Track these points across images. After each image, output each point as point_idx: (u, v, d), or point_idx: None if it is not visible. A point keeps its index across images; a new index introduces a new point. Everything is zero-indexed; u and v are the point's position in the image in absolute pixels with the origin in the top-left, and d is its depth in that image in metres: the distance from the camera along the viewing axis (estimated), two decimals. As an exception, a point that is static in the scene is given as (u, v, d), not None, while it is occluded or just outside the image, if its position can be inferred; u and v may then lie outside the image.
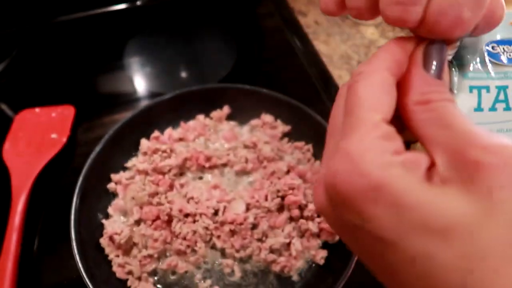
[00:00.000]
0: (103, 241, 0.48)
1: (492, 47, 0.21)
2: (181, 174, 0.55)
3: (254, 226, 0.49)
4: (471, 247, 0.15)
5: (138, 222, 0.50)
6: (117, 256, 0.47)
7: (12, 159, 0.56)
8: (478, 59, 0.21)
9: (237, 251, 0.48)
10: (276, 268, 0.47)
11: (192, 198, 0.51)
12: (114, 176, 0.54)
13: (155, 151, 0.55)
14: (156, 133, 0.57)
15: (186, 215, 0.49)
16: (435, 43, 0.19)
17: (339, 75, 0.70)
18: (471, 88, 0.20)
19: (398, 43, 0.20)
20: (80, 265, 0.44)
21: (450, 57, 0.20)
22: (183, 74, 0.74)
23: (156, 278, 0.47)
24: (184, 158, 0.54)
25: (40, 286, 0.48)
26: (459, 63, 0.21)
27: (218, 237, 0.48)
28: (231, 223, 0.48)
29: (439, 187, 0.16)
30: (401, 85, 0.19)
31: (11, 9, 0.77)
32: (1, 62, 0.71)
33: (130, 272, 0.46)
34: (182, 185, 0.53)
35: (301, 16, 0.80)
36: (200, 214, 0.49)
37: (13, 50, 0.73)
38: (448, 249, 0.15)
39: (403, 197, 0.16)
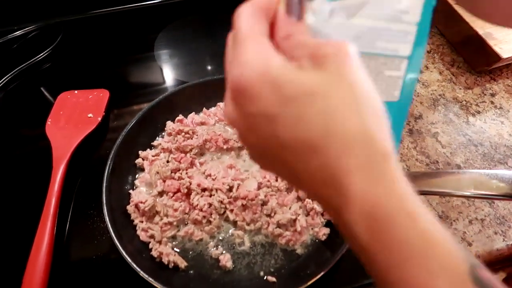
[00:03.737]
0: (130, 208, 0.54)
1: None
2: (201, 154, 0.60)
3: (264, 203, 0.54)
4: (328, 103, 0.22)
5: (161, 194, 0.56)
6: (141, 222, 0.53)
7: (53, 133, 0.63)
8: None
9: (248, 224, 0.53)
10: (282, 241, 0.52)
11: (209, 175, 0.56)
12: (141, 153, 0.60)
13: (179, 132, 0.60)
14: (180, 117, 0.63)
15: (204, 190, 0.54)
16: None
17: (353, 71, 0.74)
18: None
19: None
20: (109, 226, 0.50)
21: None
22: (208, 65, 0.79)
23: (174, 243, 0.53)
24: (204, 140, 0.59)
25: (73, 245, 0.55)
26: None
27: (231, 210, 0.53)
28: (244, 198, 0.53)
29: (304, 71, 0.22)
30: (275, 26, 0.25)
31: (56, 2, 0.85)
32: (46, 49, 0.78)
33: (152, 236, 0.52)
34: (201, 163, 0.58)
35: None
36: (216, 189, 0.54)
37: (56, 39, 0.80)
38: (313, 108, 0.21)
39: (280, 78, 0.22)
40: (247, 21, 0.24)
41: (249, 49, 0.23)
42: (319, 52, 0.23)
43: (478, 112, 0.68)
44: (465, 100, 0.70)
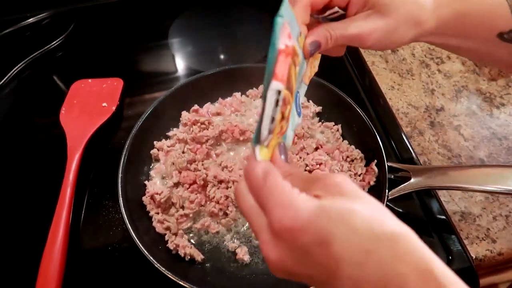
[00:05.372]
0: (145, 199, 0.53)
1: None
2: (217, 144, 0.59)
3: (282, 196, 0.53)
4: (364, 213, 0.25)
5: (176, 185, 0.55)
6: (157, 213, 0.52)
7: (67, 123, 0.62)
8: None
9: (265, 217, 0.52)
10: (300, 235, 0.51)
11: (226, 166, 0.55)
12: (157, 143, 0.59)
13: (195, 122, 0.59)
14: (195, 107, 0.62)
15: (220, 182, 0.53)
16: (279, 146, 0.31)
17: (372, 61, 0.72)
18: None
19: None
20: (125, 217, 0.49)
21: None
22: (222, 54, 0.78)
23: (190, 235, 0.52)
24: (221, 130, 0.58)
25: (88, 235, 0.54)
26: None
27: (248, 203, 0.52)
28: (261, 191, 0.52)
29: (335, 197, 0.27)
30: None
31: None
32: (59, 36, 0.77)
33: (168, 228, 0.51)
34: (217, 155, 0.57)
35: (339, 3, 0.82)
36: (233, 181, 0.53)
37: (69, 27, 0.79)
38: (356, 219, 0.25)
39: (324, 207, 0.26)
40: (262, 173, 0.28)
41: (283, 193, 0.26)
42: (326, 182, 0.28)
43: (503, 105, 0.66)
44: (489, 92, 0.67)
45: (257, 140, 0.29)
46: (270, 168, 0.28)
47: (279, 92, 0.29)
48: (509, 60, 0.46)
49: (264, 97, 0.28)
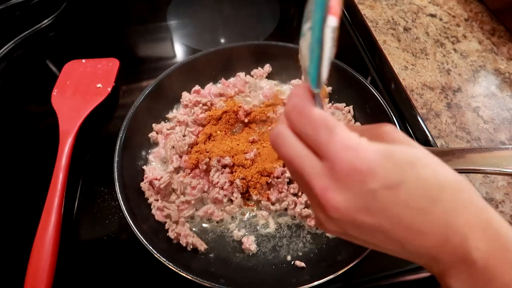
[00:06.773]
0: (144, 185, 0.50)
1: None
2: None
3: (291, 181, 0.49)
4: (426, 162, 0.24)
5: (177, 170, 0.51)
6: (157, 200, 0.49)
7: (60, 105, 0.58)
8: None
9: (273, 203, 0.48)
10: (310, 223, 0.47)
11: (230, 149, 0.51)
12: (155, 126, 0.55)
13: (196, 103, 0.55)
14: (197, 87, 0.58)
15: (224, 166, 0.50)
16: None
17: (384, 40, 0.68)
18: None
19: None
20: (122, 204, 0.45)
21: None
22: (225, 35, 0.74)
23: (192, 223, 0.48)
24: (224, 112, 0.54)
25: (83, 225, 0.50)
26: None
27: (254, 188, 0.48)
28: (268, 175, 0.48)
29: (398, 145, 0.25)
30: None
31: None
32: (49, 16, 0.72)
33: (168, 216, 0.47)
34: (221, 138, 0.53)
35: (347, -20, 0.78)
36: (238, 165, 0.49)
37: (61, 5, 0.75)
38: (423, 168, 0.24)
39: (390, 151, 0.24)
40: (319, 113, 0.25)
41: (347, 135, 0.24)
42: (377, 131, 0.26)
43: (523, 85, 0.62)
44: (508, 72, 0.63)
45: (318, 83, 0.26)
46: (325, 113, 0.25)
47: (334, 30, 0.25)
48: None
49: (317, 36, 0.25)
